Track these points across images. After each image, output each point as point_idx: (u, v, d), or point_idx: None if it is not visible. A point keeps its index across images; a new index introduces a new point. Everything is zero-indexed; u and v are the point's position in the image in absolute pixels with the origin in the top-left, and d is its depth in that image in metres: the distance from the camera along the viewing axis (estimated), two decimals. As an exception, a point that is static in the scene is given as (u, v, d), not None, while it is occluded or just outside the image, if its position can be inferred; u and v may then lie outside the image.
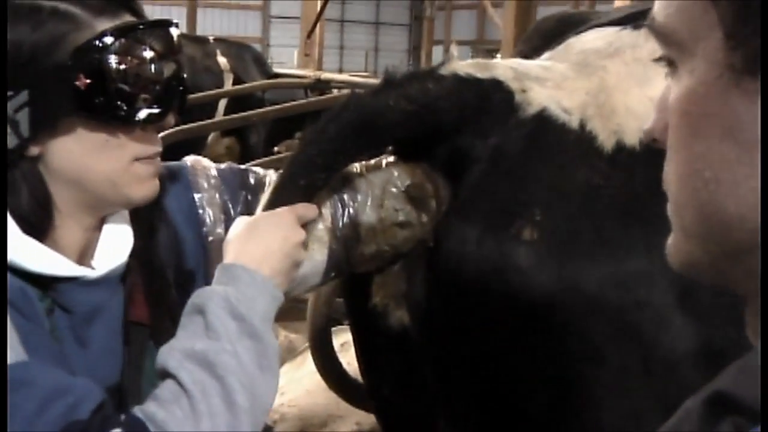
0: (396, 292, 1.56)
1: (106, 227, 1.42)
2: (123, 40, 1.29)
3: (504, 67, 1.52)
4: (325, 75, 6.84)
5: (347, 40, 25.10)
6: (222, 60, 7.45)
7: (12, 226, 1.28)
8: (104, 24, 1.30)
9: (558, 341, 1.41)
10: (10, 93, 1.26)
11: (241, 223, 1.40)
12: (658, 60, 0.76)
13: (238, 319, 1.25)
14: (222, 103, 6.90)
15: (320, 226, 1.48)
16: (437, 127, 1.46)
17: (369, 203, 1.50)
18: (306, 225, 1.44)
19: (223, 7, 21.64)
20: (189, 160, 1.61)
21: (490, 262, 1.42)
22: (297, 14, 18.58)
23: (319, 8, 11.31)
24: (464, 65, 1.50)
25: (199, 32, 12.63)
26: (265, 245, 1.36)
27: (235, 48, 7.97)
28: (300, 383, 3.66)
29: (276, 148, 5.54)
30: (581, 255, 1.39)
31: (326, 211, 1.49)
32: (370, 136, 1.46)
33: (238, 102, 6.61)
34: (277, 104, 5.84)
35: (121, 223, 1.44)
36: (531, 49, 1.80)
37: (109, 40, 1.28)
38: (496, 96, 1.47)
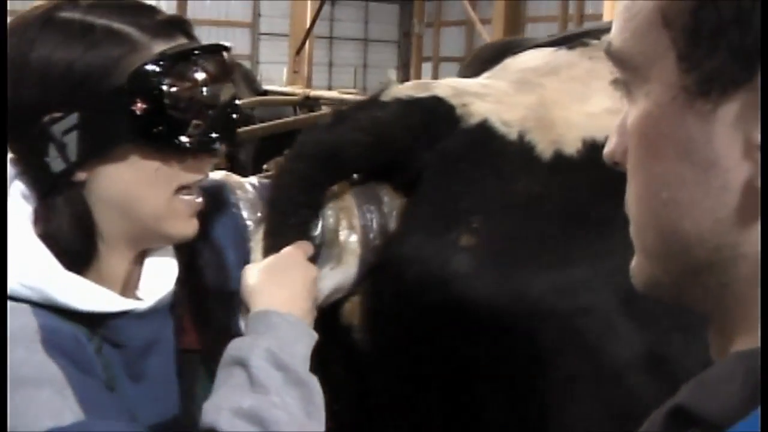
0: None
1: (149, 260, 1.38)
2: (180, 63, 1.25)
3: (443, 85, 1.54)
4: (314, 92, 6.85)
5: (336, 56, 25.08)
6: (211, 77, 7.42)
7: (51, 263, 1.23)
8: (160, 46, 1.26)
9: (503, 349, 1.41)
10: (58, 114, 1.22)
11: (253, 270, 1.35)
12: (614, 83, 0.77)
13: (282, 369, 1.21)
14: (210, 120, 6.87)
15: (353, 238, 1.48)
16: (392, 152, 1.48)
17: (394, 212, 1.51)
18: (338, 240, 1.44)
19: (211, 24, 21.61)
20: (218, 176, 1.56)
21: (430, 268, 1.42)
22: (286, 31, 18.60)
23: (308, 25, 11.34)
24: (404, 88, 1.52)
25: (188, 50, 12.54)
26: (288, 287, 1.32)
27: (224, 65, 7.93)
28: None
29: (265, 166, 5.52)
30: (522, 262, 1.39)
31: (356, 222, 1.48)
32: (336, 170, 1.47)
33: (226, 119, 6.58)
34: (265, 120, 5.83)
35: (165, 250, 1.40)
36: (471, 75, 1.80)
37: (166, 63, 1.24)
38: (438, 110, 1.49)
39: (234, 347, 1.25)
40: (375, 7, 25.81)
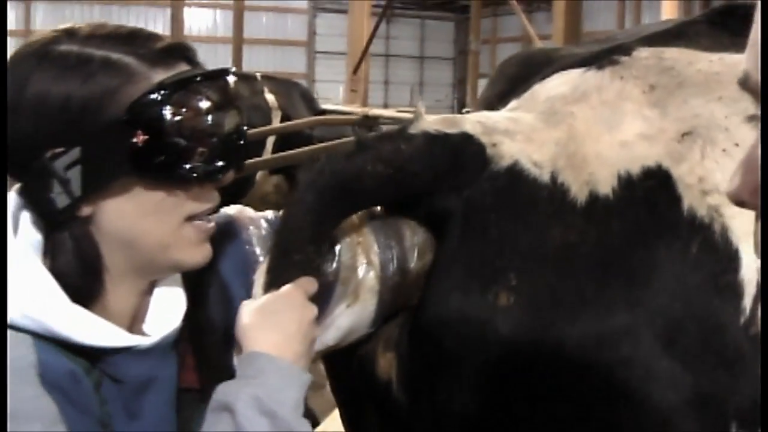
0: (387, 335, 1.52)
1: (158, 291, 1.35)
2: (181, 92, 1.22)
3: (472, 121, 1.48)
4: (373, 111, 6.83)
5: (392, 75, 25.26)
6: (270, 97, 7.45)
7: (57, 294, 1.21)
8: (159, 75, 1.23)
9: (545, 406, 1.39)
10: (60, 150, 1.20)
11: (249, 308, 1.31)
12: (751, 119, 0.70)
13: (268, 416, 1.18)
14: (270, 141, 6.90)
15: (371, 274, 1.42)
16: (413, 188, 1.43)
17: (415, 251, 1.46)
18: (355, 276, 1.40)
19: (268, 43, 21.86)
20: (232, 211, 1.53)
21: (470, 330, 1.39)
22: (341, 50, 18.74)
23: (364, 44, 11.41)
24: (433, 122, 1.46)
25: (245, 69, 12.72)
26: (282, 329, 1.28)
27: (283, 85, 7.97)
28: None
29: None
30: (561, 318, 1.36)
31: (375, 258, 1.43)
32: (349, 202, 1.42)
33: (286, 139, 6.61)
34: (325, 140, 5.83)
35: (173, 285, 1.37)
36: (496, 95, 1.76)
37: (166, 92, 1.21)
38: (467, 150, 1.43)
39: (221, 392, 1.22)
40: (431, 25, 25.99)
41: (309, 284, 1.34)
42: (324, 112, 7.71)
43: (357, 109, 7.18)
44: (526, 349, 1.36)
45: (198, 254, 1.31)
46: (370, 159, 1.40)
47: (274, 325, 1.28)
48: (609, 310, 1.35)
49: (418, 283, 1.46)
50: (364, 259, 1.43)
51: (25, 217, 1.26)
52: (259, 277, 1.38)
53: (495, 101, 1.72)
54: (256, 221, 1.52)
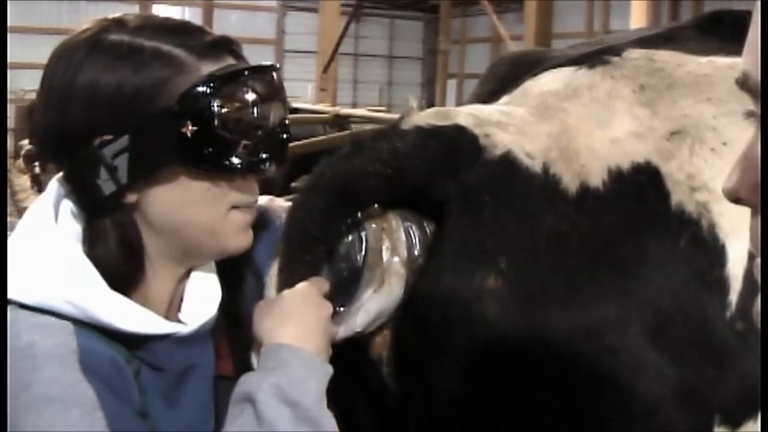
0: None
1: (193, 278, 1.37)
2: (229, 85, 1.24)
3: (465, 114, 1.50)
4: (345, 110, 6.84)
5: (361, 74, 25.17)
6: (241, 95, 7.41)
7: (98, 282, 1.22)
8: (208, 68, 1.25)
9: (530, 392, 1.40)
10: (108, 137, 1.22)
11: (266, 305, 1.34)
12: (749, 115, 0.71)
13: (291, 406, 1.20)
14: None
15: (396, 258, 1.44)
16: (412, 183, 1.45)
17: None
18: (381, 261, 1.41)
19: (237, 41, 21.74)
20: (263, 201, 1.53)
21: (457, 310, 1.40)
22: (310, 48, 18.67)
23: (335, 43, 11.39)
24: (425, 116, 1.48)
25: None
26: (302, 323, 1.30)
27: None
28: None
29: (294, 184, 5.51)
30: (549, 304, 1.37)
31: (400, 243, 1.45)
32: (353, 202, 1.44)
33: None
34: (295, 139, 5.81)
35: (209, 273, 1.38)
36: (487, 93, 1.77)
37: (215, 85, 1.23)
38: (461, 140, 1.45)
39: (243, 383, 1.24)
40: (400, 24, 25.90)
41: (322, 283, 1.37)
42: (295, 110, 7.69)
43: (328, 107, 7.17)
44: (511, 333, 1.37)
45: (242, 239, 1.33)
46: (368, 159, 1.41)
47: (293, 319, 1.30)
48: (598, 300, 1.36)
49: None
50: (389, 244, 1.44)
51: (66, 206, 1.27)
52: (272, 278, 1.40)
53: (486, 99, 1.73)
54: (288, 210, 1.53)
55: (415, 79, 26.22)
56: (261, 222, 1.46)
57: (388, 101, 22.42)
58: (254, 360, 1.32)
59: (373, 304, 1.43)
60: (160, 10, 21.94)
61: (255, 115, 1.26)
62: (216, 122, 1.22)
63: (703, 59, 1.60)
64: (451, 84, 19.50)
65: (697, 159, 1.42)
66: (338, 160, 1.44)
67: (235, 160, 1.25)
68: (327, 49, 11.89)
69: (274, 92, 1.30)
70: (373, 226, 1.45)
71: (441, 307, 1.41)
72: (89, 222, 1.27)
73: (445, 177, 1.44)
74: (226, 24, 20.95)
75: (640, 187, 1.41)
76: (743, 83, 0.71)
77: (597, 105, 1.52)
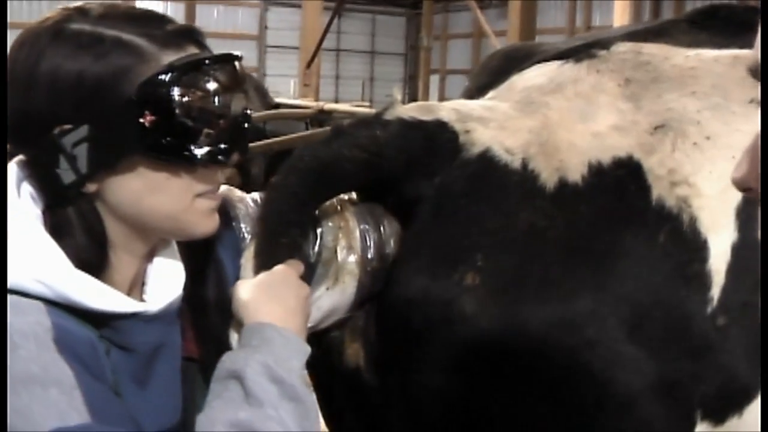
0: (353, 324, 1.54)
1: (156, 261, 1.36)
2: (190, 74, 1.22)
3: (448, 108, 1.51)
4: (328, 105, 6.82)
5: (343, 69, 25.15)
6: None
7: (65, 261, 1.21)
8: (170, 57, 1.23)
9: (510, 387, 1.41)
10: (68, 126, 1.20)
11: (246, 285, 1.35)
12: (752, 102, 0.71)
13: (277, 383, 1.21)
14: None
15: (351, 258, 1.45)
16: (388, 173, 1.46)
17: (393, 237, 1.49)
18: (336, 259, 1.42)
19: (217, 36, 21.68)
20: (223, 190, 1.51)
21: (436, 311, 1.41)
22: (293, 44, 18.64)
23: (318, 39, 11.36)
24: (409, 108, 1.49)
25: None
26: (283, 303, 1.31)
27: (236, 78, 7.89)
28: None
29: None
30: (526, 299, 1.38)
31: (356, 243, 1.46)
32: (329, 185, 1.45)
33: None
34: (278, 135, 5.79)
35: (172, 256, 1.38)
36: (478, 87, 1.78)
37: (175, 74, 1.21)
38: (441, 137, 1.46)
39: (229, 360, 1.24)
40: (382, 20, 25.90)
41: (299, 266, 1.38)
42: (278, 106, 7.66)
43: (312, 103, 7.15)
44: (490, 329, 1.38)
45: (207, 225, 1.31)
46: (346, 144, 1.43)
47: (275, 299, 1.31)
48: (574, 294, 1.37)
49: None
50: (345, 243, 1.45)
51: (26, 189, 1.26)
52: (248, 261, 1.41)
53: (476, 92, 1.74)
54: (244, 200, 1.54)
55: (398, 74, 26.22)
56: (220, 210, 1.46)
57: (370, 97, 22.40)
58: (233, 338, 1.33)
59: (326, 300, 1.45)
60: (141, 5, 21.84)
61: (216, 104, 1.25)
62: (176, 111, 1.21)
63: (691, 52, 1.60)
64: (434, 80, 19.50)
65: (679, 153, 1.42)
66: (317, 145, 1.45)
67: (197, 150, 1.23)
68: (310, 45, 11.85)
69: (236, 82, 1.29)
70: (330, 224, 1.46)
71: (421, 308, 1.42)
72: (51, 209, 1.26)
73: (421, 175, 1.45)
74: (208, 19, 20.90)
75: (620, 181, 1.41)
76: (756, 73, 0.71)
77: (580, 99, 1.53)
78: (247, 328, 1.28)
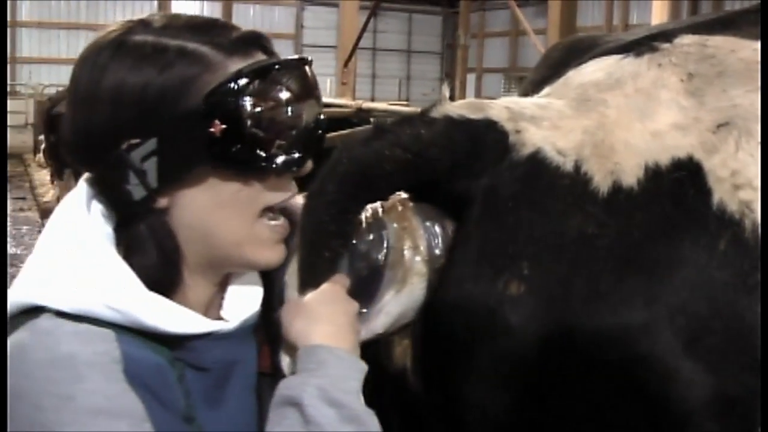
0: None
1: (235, 283, 1.36)
2: (258, 81, 1.20)
3: (499, 107, 1.44)
4: (367, 104, 6.80)
5: (379, 68, 25.24)
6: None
7: (137, 285, 1.20)
8: (237, 64, 1.21)
9: (555, 403, 1.35)
10: (136, 141, 1.20)
11: (293, 306, 1.32)
12: None
13: (335, 406, 1.19)
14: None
15: (418, 258, 1.41)
16: (432, 174, 1.40)
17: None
18: (402, 261, 1.39)
19: (255, 36, 21.80)
20: (301, 200, 1.51)
21: (479, 318, 1.36)
22: (329, 43, 18.68)
23: (355, 37, 11.41)
24: (458, 106, 1.43)
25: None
26: (334, 321, 1.29)
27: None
28: None
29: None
30: (573, 310, 1.32)
31: (421, 242, 1.41)
32: (369, 189, 1.39)
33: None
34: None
35: (251, 276, 1.38)
36: (538, 80, 1.72)
37: (243, 81, 1.19)
38: (488, 137, 1.40)
39: (285, 386, 1.23)
40: (418, 19, 26.00)
41: (344, 280, 1.35)
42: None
43: (350, 101, 7.14)
44: (535, 342, 1.32)
45: (272, 254, 1.31)
46: (387, 144, 1.37)
47: (324, 318, 1.28)
48: (625, 305, 1.30)
49: None
50: (410, 244, 1.41)
51: (96, 207, 1.25)
52: (290, 277, 1.37)
53: (532, 87, 1.69)
54: None
55: (434, 73, 26.32)
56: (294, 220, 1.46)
57: (407, 95, 22.45)
58: (284, 362, 1.31)
59: (395, 305, 1.40)
60: (178, 6, 22.04)
61: (288, 113, 1.23)
62: (246, 120, 1.19)
63: (759, 45, 1.52)
64: (470, 78, 19.46)
65: (743, 154, 1.35)
66: (356, 145, 1.39)
67: (268, 159, 1.22)
68: (347, 43, 11.91)
69: (307, 87, 1.27)
70: (394, 224, 1.42)
71: (464, 315, 1.37)
72: (123, 227, 1.25)
73: (469, 176, 1.39)
74: (244, 18, 21.07)
75: (679, 184, 1.34)
76: None
77: (640, 96, 1.46)
78: (301, 352, 1.26)
